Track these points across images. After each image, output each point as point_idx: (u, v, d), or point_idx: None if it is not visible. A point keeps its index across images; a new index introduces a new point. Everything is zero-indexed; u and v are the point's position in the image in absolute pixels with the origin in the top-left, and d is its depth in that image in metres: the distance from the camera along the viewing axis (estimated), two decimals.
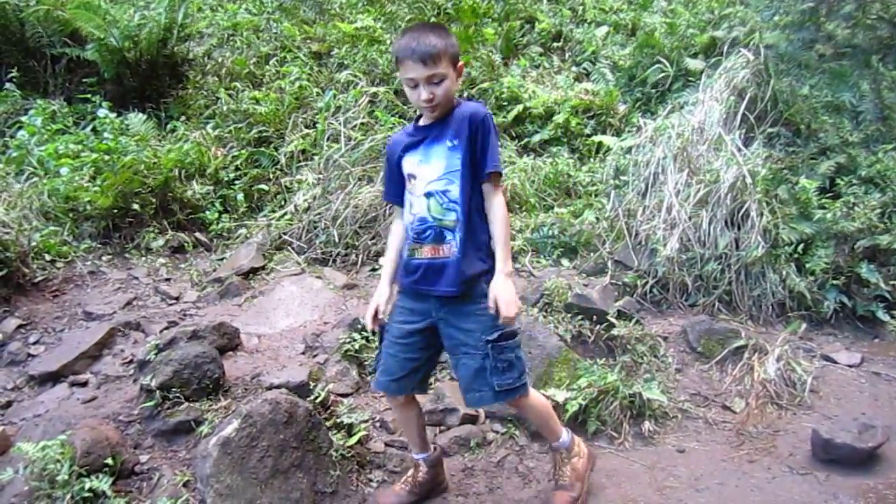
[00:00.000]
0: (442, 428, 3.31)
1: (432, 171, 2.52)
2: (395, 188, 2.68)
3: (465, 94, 6.05)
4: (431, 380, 3.64)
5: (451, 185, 2.49)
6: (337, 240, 4.72)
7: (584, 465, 2.85)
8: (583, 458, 2.85)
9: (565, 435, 2.83)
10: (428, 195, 2.52)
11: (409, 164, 2.60)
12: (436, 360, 2.80)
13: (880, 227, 4.23)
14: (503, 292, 2.42)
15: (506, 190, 4.71)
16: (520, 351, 2.59)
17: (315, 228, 4.84)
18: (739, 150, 4.59)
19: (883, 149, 4.75)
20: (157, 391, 3.09)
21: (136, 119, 5.51)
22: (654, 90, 5.81)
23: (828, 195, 4.50)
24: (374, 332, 2.75)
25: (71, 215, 4.77)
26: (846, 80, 5.40)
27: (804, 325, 4.09)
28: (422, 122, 2.61)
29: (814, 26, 6.10)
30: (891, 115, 5.16)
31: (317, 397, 3.16)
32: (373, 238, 4.79)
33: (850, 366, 3.84)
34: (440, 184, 2.50)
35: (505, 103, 5.85)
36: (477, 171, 2.49)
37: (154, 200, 4.94)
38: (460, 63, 2.52)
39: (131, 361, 3.56)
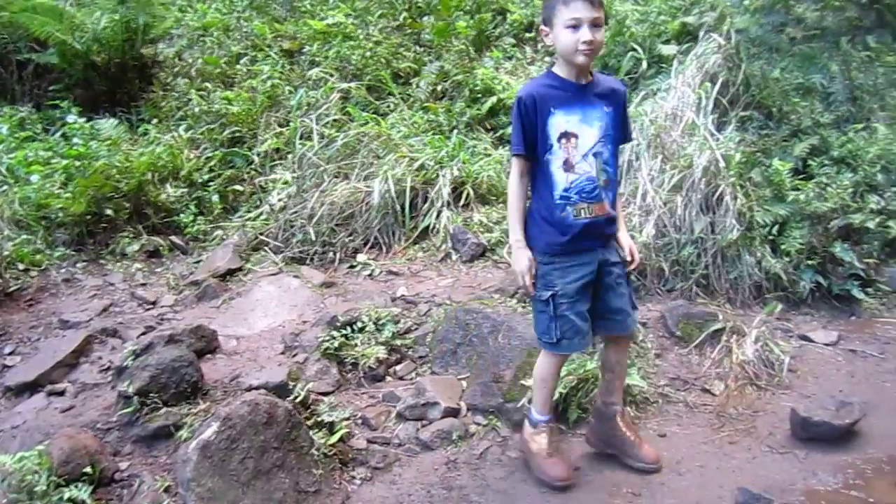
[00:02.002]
0: (424, 422, 3.30)
1: (594, 133, 2.65)
2: (532, 142, 2.67)
3: (439, 87, 6.05)
4: (413, 374, 3.66)
5: (605, 149, 2.67)
6: (313, 238, 4.70)
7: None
8: None
9: None
10: (595, 155, 2.66)
11: (567, 122, 2.63)
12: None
13: (853, 207, 4.27)
14: (631, 241, 2.89)
15: None
16: None
17: (291, 227, 4.82)
18: (712, 134, 4.61)
19: (853, 128, 4.79)
20: (135, 397, 3.07)
21: (106, 123, 5.45)
22: (627, 77, 5.82)
23: (801, 176, 4.52)
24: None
25: (43, 223, 4.72)
26: (816, 62, 5.44)
27: (781, 306, 4.11)
28: (572, 78, 2.64)
29: (783, 9, 6.14)
30: (860, 96, 5.20)
31: (297, 397, 3.15)
32: (350, 235, 4.77)
33: (827, 344, 3.87)
34: (600, 146, 2.66)
35: (479, 95, 5.83)
36: (621, 137, 2.78)
37: (128, 205, 4.90)
38: None
39: (109, 368, 3.53)
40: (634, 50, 5.74)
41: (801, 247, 4.15)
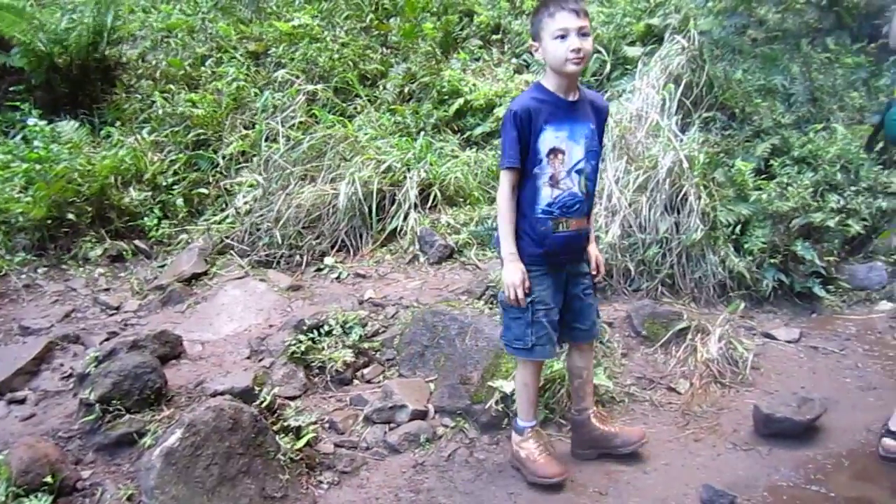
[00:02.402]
0: (392, 425, 3.29)
1: (580, 150, 2.70)
2: (524, 155, 2.70)
3: (406, 89, 6.04)
4: (380, 377, 3.65)
5: (588, 164, 2.73)
6: (280, 241, 4.66)
7: None
8: None
9: None
10: (578, 172, 2.71)
11: (556, 138, 2.67)
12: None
13: (813, 206, 4.34)
14: (600, 255, 3.00)
15: None
16: None
17: (257, 231, 4.78)
18: (676, 135, 4.67)
19: (814, 129, 4.87)
20: (97, 404, 3.02)
21: (67, 126, 5.34)
22: (593, 79, 5.86)
23: (763, 176, 4.59)
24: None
25: (3, 228, 4.63)
26: (778, 64, 5.53)
27: (744, 304, 4.18)
28: (560, 94, 2.67)
29: (746, 12, 6.24)
30: (821, 97, 5.30)
31: (263, 402, 3.13)
32: (317, 238, 4.74)
33: (790, 341, 3.93)
34: (584, 162, 2.72)
35: (446, 97, 5.84)
36: (599, 153, 2.84)
37: (90, 209, 4.82)
38: None
39: (71, 375, 3.48)
40: (600, 52, 5.78)
41: (763, 246, 4.21)
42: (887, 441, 2.93)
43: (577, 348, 3.02)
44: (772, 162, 4.67)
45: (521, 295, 2.71)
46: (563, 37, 2.54)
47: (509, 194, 2.71)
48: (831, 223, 4.28)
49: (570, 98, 2.68)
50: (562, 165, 2.67)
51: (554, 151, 2.66)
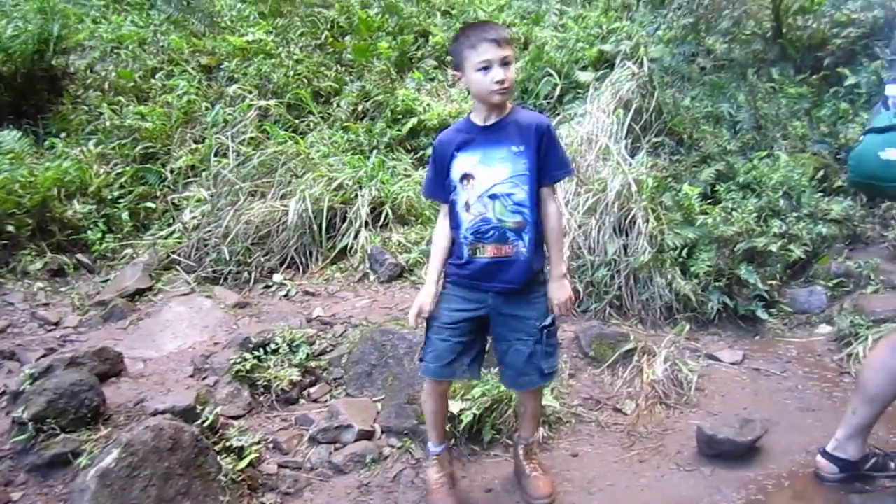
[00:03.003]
0: (337, 445, 3.24)
1: (496, 174, 2.59)
2: (441, 185, 2.71)
3: (360, 107, 6.03)
4: (327, 396, 3.60)
5: (516, 189, 2.59)
6: (228, 257, 4.59)
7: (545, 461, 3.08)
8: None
9: (541, 431, 3.03)
10: (493, 197, 2.60)
11: (466, 163, 2.63)
12: (484, 347, 2.83)
13: (757, 230, 4.44)
14: (560, 293, 2.70)
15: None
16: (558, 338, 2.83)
17: (205, 246, 4.70)
18: (626, 159, 4.74)
19: (758, 156, 5.02)
20: (31, 423, 2.90)
21: (9, 136, 5.21)
22: (545, 102, 5.94)
23: (709, 201, 4.69)
24: (414, 328, 2.85)
25: None
26: (724, 92, 5.70)
27: (690, 326, 4.23)
28: (478, 121, 2.64)
29: (695, 41, 6.42)
30: (765, 125, 5.46)
31: (205, 421, 3.05)
32: (266, 255, 4.69)
33: (733, 363, 3.99)
34: (505, 187, 2.59)
35: (400, 116, 5.85)
36: (540, 177, 2.62)
37: (31, 221, 4.69)
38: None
39: (4, 393, 3.33)
40: (552, 75, 5.86)
41: (709, 269, 4.28)
42: (820, 461, 2.99)
43: None
44: (717, 187, 4.78)
45: (412, 313, 2.72)
46: (486, 68, 2.50)
47: (440, 221, 2.78)
48: (774, 248, 4.39)
49: (489, 122, 2.63)
50: (472, 191, 2.62)
51: (466, 177, 2.63)
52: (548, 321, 2.70)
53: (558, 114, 5.58)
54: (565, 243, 4.31)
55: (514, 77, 2.57)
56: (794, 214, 4.67)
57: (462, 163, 2.64)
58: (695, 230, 4.43)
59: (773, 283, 4.39)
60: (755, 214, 4.50)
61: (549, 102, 5.89)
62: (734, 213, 4.49)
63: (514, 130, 2.61)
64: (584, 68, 6.12)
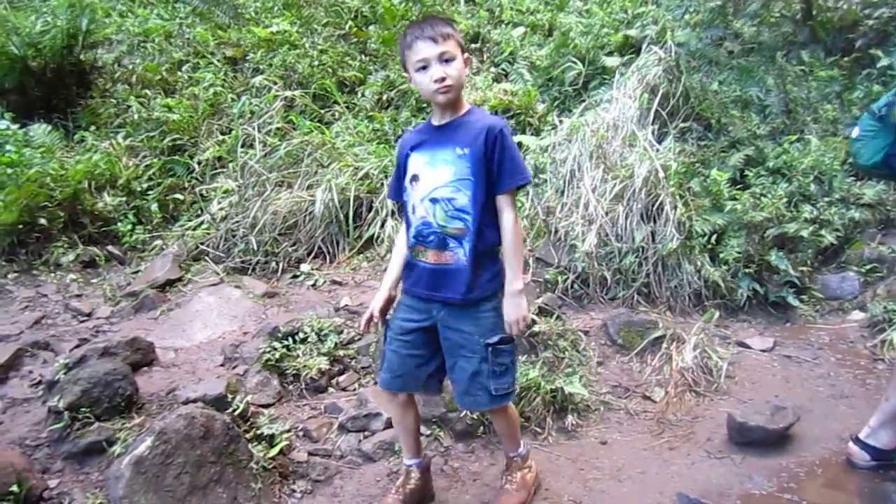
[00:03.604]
0: (366, 433, 3.27)
1: (439, 177, 2.46)
2: (400, 185, 2.61)
3: (385, 97, 6.03)
4: (356, 385, 3.62)
5: (458, 194, 2.44)
6: (256, 248, 4.63)
7: (532, 478, 2.88)
8: (532, 473, 2.88)
9: (523, 447, 2.86)
10: (433, 201, 2.47)
11: (415, 163, 2.53)
12: (442, 360, 2.65)
13: (787, 216, 4.39)
14: (512, 311, 2.47)
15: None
16: (514, 357, 2.62)
17: (233, 237, 4.74)
18: (652, 145, 4.70)
19: (788, 140, 4.93)
20: (66, 412, 2.95)
21: (40, 130, 5.29)
22: (571, 88, 5.89)
23: (738, 187, 4.63)
24: (364, 333, 2.80)
25: None
26: (753, 76, 5.60)
27: (719, 313, 4.20)
28: (434, 121, 2.54)
29: (722, 24, 6.32)
30: (795, 109, 5.37)
31: (235, 409, 3.08)
32: (293, 245, 4.72)
33: (764, 350, 3.96)
34: (447, 191, 2.45)
35: (424, 105, 5.83)
36: (492, 184, 2.44)
37: (62, 214, 4.76)
38: (466, 54, 2.48)
39: (39, 382, 3.40)
40: (576, 62, 5.81)
41: (738, 255, 4.24)
42: (852, 448, 2.96)
43: None
44: (747, 172, 4.72)
45: (363, 318, 2.68)
46: (424, 67, 2.39)
47: (400, 228, 2.70)
48: (805, 233, 4.33)
49: (442, 122, 2.51)
50: (417, 193, 2.51)
51: (414, 178, 2.52)
52: (494, 339, 2.48)
53: (583, 100, 5.54)
54: (592, 230, 4.29)
55: (458, 73, 2.41)
56: (826, 199, 4.60)
57: (413, 163, 2.54)
58: (724, 216, 4.38)
59: (804, 269, 4.34)
60: (785, 200, 4.44)
61: (574, 89, 5.84)
62: (764, 198, 4.43)
63: (464, 132, 2.45)
64: (609, 54, 6.05)
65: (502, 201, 2.46)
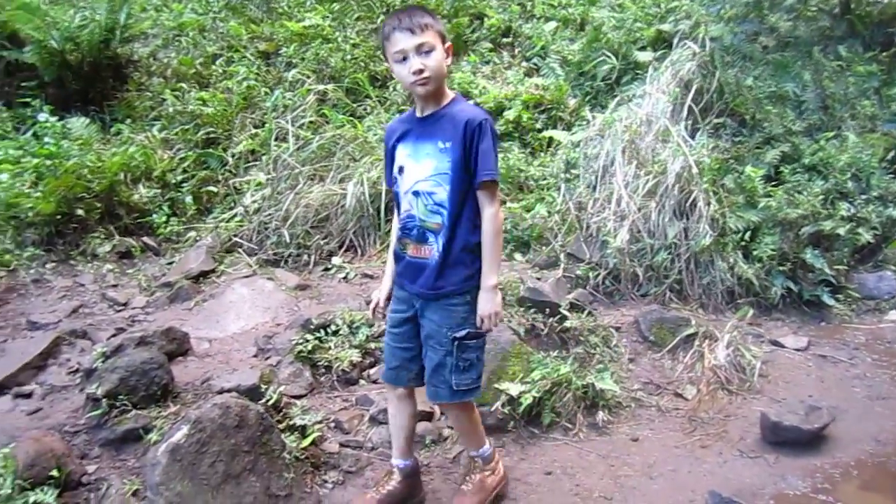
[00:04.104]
0: None
1: (421, 170, 2.45)
2: (391, 175, 2.60)
3: None
4: None
5: (438, 188, 2.42)
6: (288, 240, 4.67)
7: (494, 481, 2.81)
8: (495, 476, 2.82)
9: (487, 447, 2.82)
10: (416, 194, 2.46)
11: (401, 155, 2.52)
12: None
13: (823, 214, 4.33)
14: (484, 306, 2.46)
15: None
16: (482, 354, 2.59)
17: (266, 229, 4.79)
18: (686, 140, 4.66)
19: (825, 136, 4.87)
20: (104, 399, 3.01)
21: (78, 123, 5.37)
22: (603, 83, 5.86)
23: (773, 183, 4.58)
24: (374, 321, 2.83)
25: (12, 222, 4.63)
26: (789, 71, 5.52)
27: (752, 311, 4.16)
28: (417, 113, 2.51)
29: (757, 19, 6.23)
30: (832, 105, 5.29)
31: (269, 400, 3.12)
32: (325, 238, 4.75)
33: (798, 349, 3.92)
34: (427, 185, 2.44)
35: None
36: (472, 178, 2.41)
37: (99, 205, 4.83)
38: (448, 43, 2.45)
39: (77, 370, 3.46)
40: (609, 56, 5.77)
41: (772, 253, 4.19)
42: None
43: None
44: (782, 169, 4.66)
45: (371, 307, 2.74)
46: (403, 59, 2.36)
47: (395, 216, 2.67)
48: (841, 231, 4.27)
49: (424, 114, 2.48)
50: (402, 185, 2.51)
51: (401, 169, 2.51)
52: (461, 333, 2.47)
53: (616, 95, 5.50)
54: (624, 226, 4.27)
55: (437, 65, 2.36)
56: (863, 197, 4.54)
57: (399, 154, 2.53)
58: (758, 213, 4.34)
59: (840, 267, 4.28)
60: (821, 197, 4.38)
61: (606, 84, 5.81)
62: (799, 195, 4.37)
63: (446, 125, 2.42)
64: (642, 48, 6.00)
65: (480, 196, 2.44)
